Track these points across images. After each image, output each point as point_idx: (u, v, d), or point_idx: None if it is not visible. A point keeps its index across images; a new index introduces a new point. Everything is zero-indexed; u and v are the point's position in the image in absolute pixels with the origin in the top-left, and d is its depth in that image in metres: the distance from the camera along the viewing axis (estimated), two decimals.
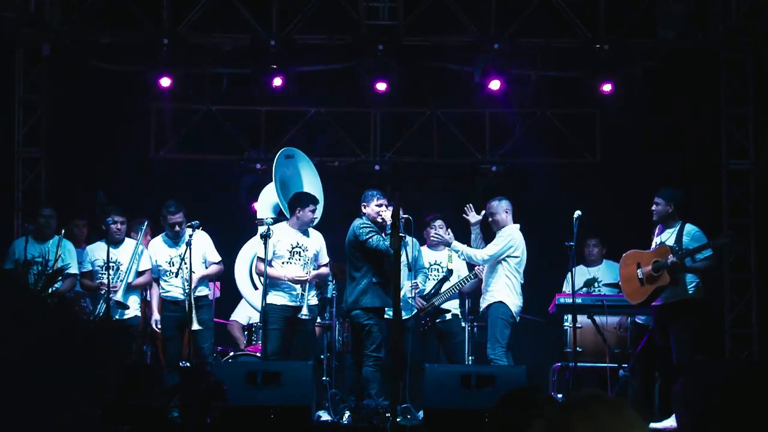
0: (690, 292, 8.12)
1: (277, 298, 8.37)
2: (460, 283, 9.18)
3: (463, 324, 9.31)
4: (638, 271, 8.19)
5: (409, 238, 8.96)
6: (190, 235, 8.56)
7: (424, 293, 9.18)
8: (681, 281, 8.09)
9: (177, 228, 8.72)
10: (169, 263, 8.76)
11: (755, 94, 10.48)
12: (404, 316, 8.85)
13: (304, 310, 8.41)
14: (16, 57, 10.47)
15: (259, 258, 8.62)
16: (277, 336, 8.33)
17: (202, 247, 8.85)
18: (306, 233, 8.63)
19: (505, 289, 8.55)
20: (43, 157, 10.52)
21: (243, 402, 7.54)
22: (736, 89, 10.53)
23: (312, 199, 8.66)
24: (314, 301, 8.64)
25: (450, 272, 9.24)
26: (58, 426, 5.54)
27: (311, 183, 9.35)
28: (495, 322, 8.50)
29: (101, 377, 6.02)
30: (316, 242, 8.65)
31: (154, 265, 8.84)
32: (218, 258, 8.91)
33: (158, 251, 8.85)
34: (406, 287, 8.72)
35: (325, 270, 8.72)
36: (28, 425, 5.37)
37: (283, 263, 8.46)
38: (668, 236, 8.21)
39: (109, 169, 10.57)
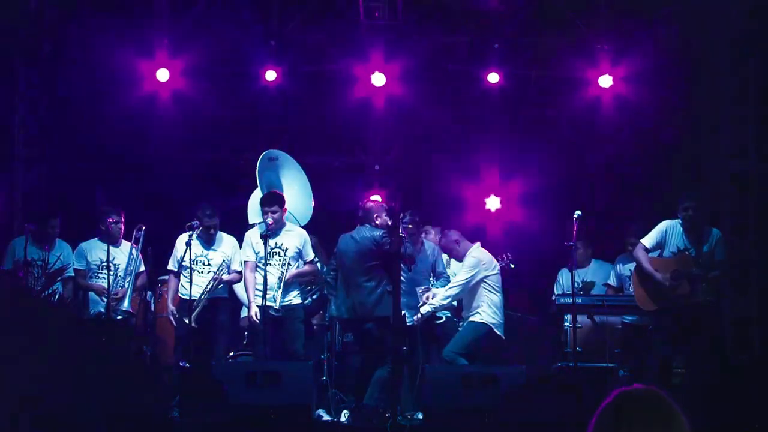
0: (709, 296, 8.11)
1: (258, 300, 8.40)
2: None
3: (459, 325, 9.34)
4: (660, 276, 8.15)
5: (428, 244, 8.99)
6: (190, 235, 8.58)
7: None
8: (700, 288, 8.07)
9: (212, 231, 8.77)
10: (194, 262, 8.73)
11: (755, 94, 10.47)
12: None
13: (276, 305, 8.42)
14: (16, 56, 10.47)
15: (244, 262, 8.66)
16: (263, 337, 8.37)
17: (228, 252, 8.91)
18: (279, 233, 8.63)
19: (488, 309, 8.58)
20: (43, 157, 10.52)
21: (243, 402, 7.54)
22: (736, 89, 10.52)
23: (264, 201, 8.62)
24: (297, 300, 8.64)
25: (447, 279, 9.24)
26: (57, 425, 5.54)
27: (293, 184, 9.34)
28: (467, 335, 8.57)
29: (101, 377, 6.02)
30: (296, 240, 8.65)
31: (178, 261, 8.84)
32: (241, 267, 8.93)
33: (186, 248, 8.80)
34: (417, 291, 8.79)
35: (309, 268, 8.71)
36: (29, 425, 5.37)
37: (263, 265, 8.48)
38: (703, 244, 8.15)
39: (109, 169, 10.56)
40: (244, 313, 9.50)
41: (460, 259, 8.79)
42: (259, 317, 8.40)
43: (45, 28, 10.30)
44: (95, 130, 10.66)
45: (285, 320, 8.49)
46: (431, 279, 8.97)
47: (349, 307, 8.43)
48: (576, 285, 8.90)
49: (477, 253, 8.72)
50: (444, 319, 9.29)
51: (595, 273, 9.60)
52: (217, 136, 11.17)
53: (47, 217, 9.20)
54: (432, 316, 9.16)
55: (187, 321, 8.48)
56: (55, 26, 10.34)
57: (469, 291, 8.61)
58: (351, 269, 8.46)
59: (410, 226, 8.89)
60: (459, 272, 8.72)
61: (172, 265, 8.93)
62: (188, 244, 8.53)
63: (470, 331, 8.60)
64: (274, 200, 8.62)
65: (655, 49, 10.58)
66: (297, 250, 8.63)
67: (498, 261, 9.16)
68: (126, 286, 8.97)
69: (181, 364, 8.58)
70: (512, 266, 9.16)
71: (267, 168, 9.28)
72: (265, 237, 8.35)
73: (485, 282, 8.61)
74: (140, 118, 11.01)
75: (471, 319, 8.64)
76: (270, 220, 8.44)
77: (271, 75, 10.53)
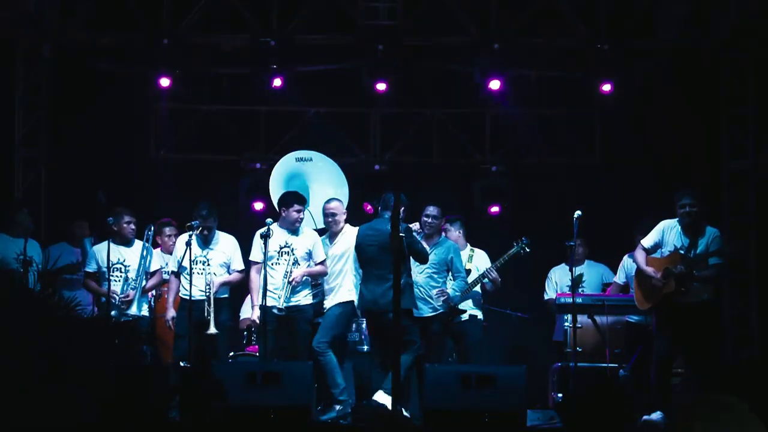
0: (705, 295, 8.08)
1: (267, 299, 8.41)
2: (476, 282, 9.15)
3: (485, 324, 9.33)
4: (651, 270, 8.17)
5: (447, 242, 8.96)
6: (190, 236, 8.59)
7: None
8: (692, 286, 8.04)
9: (205, 231, 8.77)
10: (194, 262, 8.74)
11: (755, 94, 10.48)
12: (426, 314, 8.81)
13: (280, 305, 8.40)
14: (16, 57, 10.48)
15: (251, 262, 8.65)
16: (270, 336, 8.38)
17: (228, 251, 8.90)
18: (295, 232, 8.64)
19: (351, 287, 8.72)
20: (43, 157, 10.53)
21: (243, 402, 7.54)
22: (736, 89, 10.53)
23: (297, 199, 8.67)
24: (307, 300, 8.63)
25: (467, 272, 9.20)
26: (58, 426, 5.54)
27: (328, 186, 9.40)
28: (332, 318, 8.60)
29: (101, 377, 6.02)
30: (307, 241, 8.65)
31: (179, 261, 8.83)
32: (242, 266, 8.91)
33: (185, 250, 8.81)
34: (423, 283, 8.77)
35: (319, 268, 8.69)
36: (29, 425, 5.38)
37: (272, 264, 8.47)
38: (699, 243, 8.12)
39: (109, 169, 10.57)
40: (243, 313, 9.52)
41: (337, 227, 8.85)
42: (261, 319, 8.41)
43: (45, 29, 10.29)
44: (96, 131, 10.67)
45: (291, 320, 8.49)
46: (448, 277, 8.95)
47: (371, 299, 8.35)
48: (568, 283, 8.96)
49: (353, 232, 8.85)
50: (465, 318, 9.23)
51: (587, 272, 9.62)
52: (218, 136, 11.17)
53: (18, 208, 9.22)
54: (453, 311, 9.10)
55: (187, 321, 8.51)
56: (55, 27, 10.33)
57: (339, 270, 8.71)
58: (373, 261, 8.39)
59: (429, 219, 8.88)
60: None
61: (172, 266, 8.94)
62: (188, 244, 8.56)
63: (341, 316, 8.66)
64: (305, 201, 8.70)
65: (656, 49, 10.57)
66: (307, 251, 8.63)
67: (514, 245, 9.16)
68: (136, 288, 8.96)
69: (181, 364, 8.60)
70: (527, 250, 9.15)
71: (296, 167, 9.34)
72: (265, 237, 8.36)
73: (351, 261, 8.76)
74: (140, 118, 11.02)
75: (337, 301, 8.68)
76: (299, 218, 8.58)
77: (275, 80, 10.50)
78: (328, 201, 8.95)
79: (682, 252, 8.07)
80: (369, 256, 8.43)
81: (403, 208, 8.44)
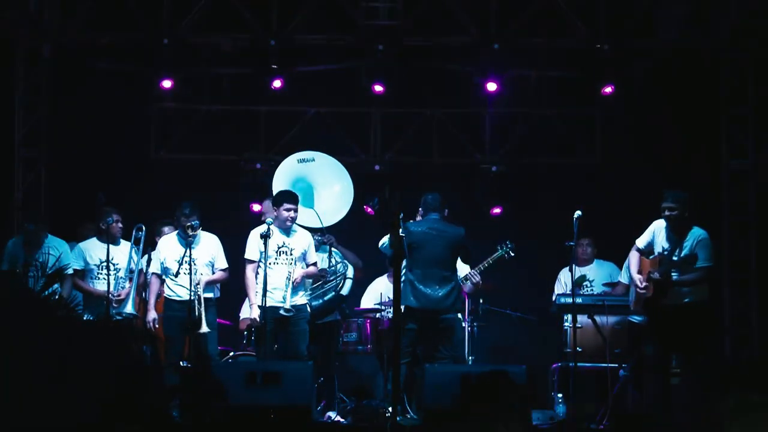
0: (687, 298, 8.06)
1: (267, 300, 8.41)
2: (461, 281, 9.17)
3: (463, 324, 9.31)
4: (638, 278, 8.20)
5: None
6: (191, 235, 8.59)
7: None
8: (672, 290, 8.02)
9: (190, 231, 8.74)
10: (179, 262, 8.73)
11: (755, 94, 10.49)
12: None
13: (287, 305, 8.40)
14: (16, 57, 10.48)
15: (248, 260, 8.63)
16: (268, 337, 8.38)
17: (211, 250, 8.86)
18: (290, 232, 8.63)
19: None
20: (43, 157, 10.53)
21: (243, 402, 7.54)
22: (736, 89, 10.53)
23: (287, 198, 8.65)
24: (303, 300, 8.62)
25: None
26: (58, 426, 5.54)
27: (334, 185, 9.41)
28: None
29: (101, 377, 6.02)
30: (302, 241, 8.65)
31: (162, 262, 8.82)
32: (226, 265, 8.89)
33: (169, 249, 8.81)
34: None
35: (312, 269, 8.70)
36: (29, 425, 5.38)
37: (269, 264, 8.46)
38: (683, 246, 8.09)
39: (109, 169, 10.57)
40: (243, 314, 9.51)
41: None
42: (261, 318, 8.39)
43: (45, 29, 10.30)
44: (96, 131, 10.68)
45: (291, 320, 8.49)
46: None
47: (434, 298, 8.33)
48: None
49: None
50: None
51: (595, 272, 9.62)
52: (218, 136, 11.18)
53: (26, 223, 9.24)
54: None
55: (186, 321, 8.51)
56: (55, 27, 10.34)
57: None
58: (431, 261, 8.39)
59: None
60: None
61: (155, 268, 8.90)
62: (189, 245, 8.55)
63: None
64: (297, 199, 8.67)
65: (656, 49, 10.57)
66: (303, 252, 8.63)
67: (498, 249, 9.17)
68: (127, 287, 8.96)
69: (182, 364, 8.60)
70: (512, 254, 9.17)
71: (299, 169, 9.36)
72: (265, 237, 8.35)
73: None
74: (140, 118, 11.02)
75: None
76: (289, 216, 8.53)
77: (275, 80, 10.49)
78: None
79: (663, 254, 8.08)
80: (428, 256, 8.41)
81: (447, 211, 8.51)
